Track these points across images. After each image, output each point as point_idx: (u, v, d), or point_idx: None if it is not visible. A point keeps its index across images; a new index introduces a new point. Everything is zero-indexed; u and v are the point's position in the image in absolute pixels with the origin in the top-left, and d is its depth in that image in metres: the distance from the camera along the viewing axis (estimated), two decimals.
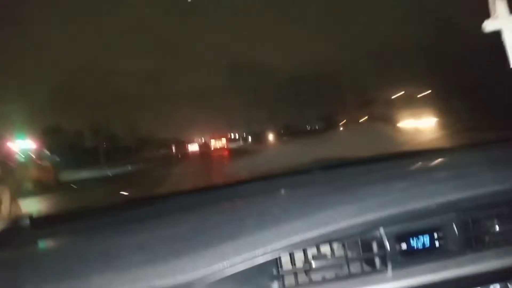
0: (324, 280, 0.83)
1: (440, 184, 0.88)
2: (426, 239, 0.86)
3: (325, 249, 0.85)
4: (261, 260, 0.79)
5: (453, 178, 0.89)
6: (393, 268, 0.83)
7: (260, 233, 0.81)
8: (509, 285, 0.84)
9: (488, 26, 0.95)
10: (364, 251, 0.85)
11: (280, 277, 0.81)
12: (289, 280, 0.83)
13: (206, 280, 0.77)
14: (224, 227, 0.86)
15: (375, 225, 0.84)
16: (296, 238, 0.80)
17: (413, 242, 0.85)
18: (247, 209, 0.98)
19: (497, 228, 0.87)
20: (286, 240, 0.80)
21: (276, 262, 0.81)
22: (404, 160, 1.29)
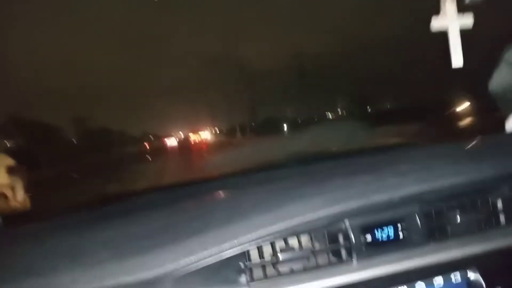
0: (292, 272, 0.84)
1: (403, 176, 0.90)
2: (390, 230, 0.88)
3: (293, 241, 0.86)
4: (228, 254, 0.80)
5: (416, 171, 0.92)
6: (358, 259, 0.85)
7: (228, 227, 0.82)
8: (468, 272, 0.88)
9: (436, 24, 0.97)
10: (330, 243, 0.87)
11: (248, 270, 0.82)
12: (257, 273, 0.84)
13: (173, 275, 0.78)
14: (192, 222, 0.87)
15: (340, 217, 0.85)
16: (264, 231, 0.81)
17: (378, 234, 0.87)
18: (216, 204, 0.98)
19: (458, 218, 0.90)
20: (253, 233, 0.81)
21: (244, 255, 0.82)
22: (371, 154, 1.32)
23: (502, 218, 0.93)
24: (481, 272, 0.87)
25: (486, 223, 0.92)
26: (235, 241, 0.80)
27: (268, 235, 0.81)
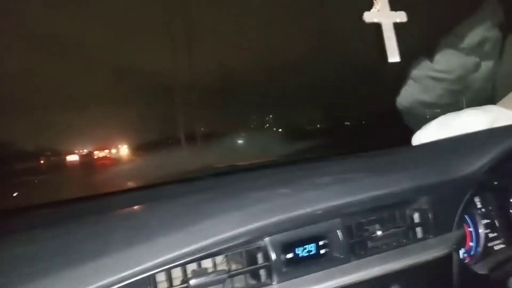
0: None
1: (323, 189, 0.85)
2: (311, 247, 0.82)
3: (207, 263, 0.76)
4: (130, 281, 0.67)
5: (336, 183, 0.88)
6: (279, 280, 0.77)
7: (130, 249, 0.69)
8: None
9: (368, 17, 0.96)
10: (249, 264, 0.78)
11: None
12: None
13: None
14: (87, 244, 0.73)
15: (259, 234, 0.77)
16: (172, 254, 0.70)
17: (299, 251, 0.81)
18: (118, 222, 0.85)
19: (378, 232, 0.87)
20: (160, 256, 0.69)
21: (149, 281, 0.70)
22: (287, 167, 1.27)
23: (419, 231, 0.92)
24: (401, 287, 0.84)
25: (404, 237, 0.90)
26: (139, 266, 0.67)
27: (177, 257, 0.70)
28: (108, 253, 0.69)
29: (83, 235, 0.78)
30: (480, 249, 1.10)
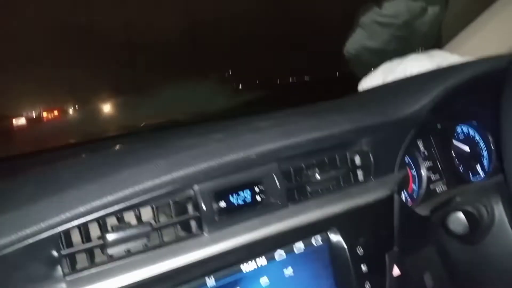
0: (129, 254, 0.67)
1: (259, 133, 0.79)
2: (246, 194, 0.76)
3: (129, 217, 0.69)
4: (33, 239, 0.59)
5: (273, 126, 0.81)
6: (210, 230, 0.72)
7: (34, 205, 0.61)
8: (329, 233, 0.81)
9: None
10: (177, 215, 0.71)
11: (65, 259, 0.62)
12: (81, 260, 0.65)
13: None
14: None
15: (187, 182, 0.70)
16: (85, 206, 0.62)
17: (233, 199, 0.75)
18: (26, 179, 0.75)
19: (317, 177, 0.82)
20: (70, 209, 0.61)
21: (58, 239, 0.61)
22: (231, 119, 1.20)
23: (360, 174, 0.89)
24: (342, 233, 0.81)
25: (344, 180, 0.86)
26: (43, 222, 0.59)
27: (91, 210, 0.62)
28: (7, 210, 0.60)
29: None
30: (422, 191, 1.09)
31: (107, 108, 1.54)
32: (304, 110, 1.03)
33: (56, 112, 1.60)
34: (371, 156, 0.88)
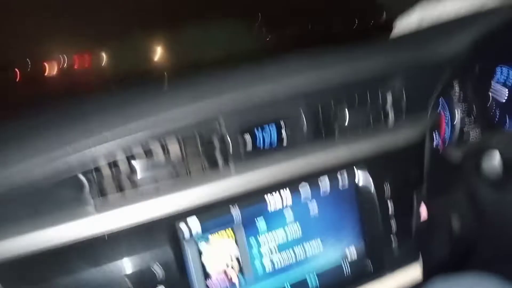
0: (156, 183, 0.67)
1: (288, 65, 0.76)
2: (272, 129, 0.75)
3: (156, 148, 0.69)
4: (63, 165, 0.60)
5: (303, 59, 0.78)
6: (236, 163, 0.71)
7: (64, 131, 0.61)
8: (356, 173, 0.79)
9: None
10: (203, 147, 0.71)
11: (93, 186, 0.64)
12: (109, 186, 0.66)
13: None
14: (14, 131, 0.65)
15: (213, 113, 0.69)
16: (112, 132, 0.62)
17: (258, 133, 0.74)
18: (57, 110, 0.75)
19: (346, 114, 0.80)
20: (98, 134, 0.61)
21: (86, 164, 0.62)
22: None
23: (391, 114, 0.85)
24: (370, 172, 0.79)
25: (374, 119, 0.83)
26: (70, 147, 0.60)
27: (117, 137, 0.62)
28: (36, 135, 0.60)
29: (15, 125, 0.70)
30: (455, 135, 1.05)
31: (133, 50, 1.53)
32: (336, 49, 0.99)
33: (84, 56, 1.60)
34: (404, 95, 0.84)
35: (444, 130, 1.04)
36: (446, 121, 1.05)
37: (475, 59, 1.00)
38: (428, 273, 0.87)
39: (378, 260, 0.82)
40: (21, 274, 0.59)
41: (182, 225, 0.67)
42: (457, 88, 1.05)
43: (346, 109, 0.80)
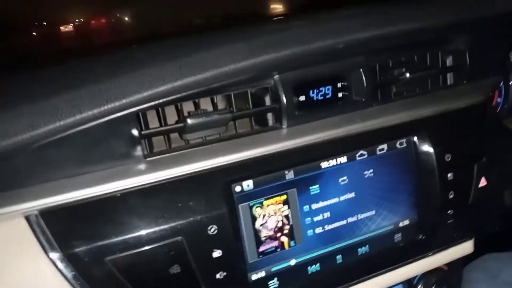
0: (206, 142, 0.64)
1: (347, 20, 0.70)
2: (328, 89, 0.70)
3: (206, 104, 0.65)
4: (113, 116, 0.56)
5: (363, 14, 0.72)
6: (289, 124, 0.67)
7: (109, 81, 0.57)
8: (415, 138, 0.75)
9: None
10: (255, 105, 0.67)
11: (144, 140, 0.60)
12: (158, 143, 0.63)
13: (30, 145, 0.53)
14: (64, 77, 0.61)
15: (268, 69, 0.65)
16: (163, 86, 0.58)
17: (313, 94, 0.69)
18: (101, 58, 0.71)
19: (405, 75, 0.74)
20: (148, 89, 0.57)
21: (137, 119, 0.59)
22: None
23: (450, 77, 0.80)
24: (430, 138, 0.74)
25: (434, 82, 0.78)
26: (121, 100, 0.56)
27: (169, 91, 0.58)
28: (85, 85, 0.57)
29: (62, 69, 0.66)
30: (508, 105, 0.99)
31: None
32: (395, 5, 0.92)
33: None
34: (467, 57, 0.78)
35: (497, 101, 0.98)
36: (499, 89, 0.99)
37: None
38: (480, 249, 0.83)
39: (432, 232, 0.78)
40: (68, 222, 0.57)
41: (237, 188, 0.64)
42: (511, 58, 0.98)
43: (405, 69, 0.75)
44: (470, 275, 0.92)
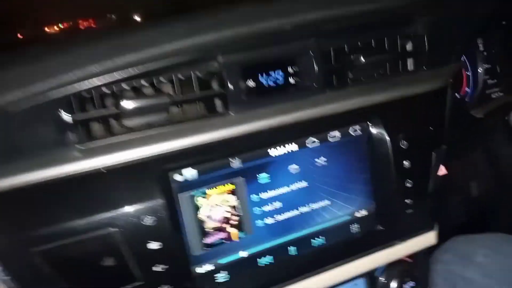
0: (148, 127, 0.60)
1: (299, 4, 0.67)
2: (278, 74, 0.67)
3: (148, 89, 0.62)
4: (41, 98, 0.53)
5: (317, 0, 0.69)
6: (237, 110, 0.64)
7: (46, 60, 0.54)
8: (369, 124, 0.72)
9: None
10: (201, 89, 0.64)
11: (76, 126, 0.57)
12: (96, 130, 0.59)
13: None
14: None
15: (211, 50, 0.61)
16: (98, 65, 0.54)
17: (263, 79, 0.66)
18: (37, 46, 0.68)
19: (362, 60, 0.71)
20: (82, 67, 0.54)
21: (70, 102, 0.55)
22: None
23: (410, 62, 0.77)
24: (385, 124, 0.72)
25: (392, 67, 0.75)
26: (52, 78, 0.52)
27: (105, 71, 0.55)
28: (14, 66, 0.53)
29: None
30: (476, 95, 0.97)
31: None
32: None
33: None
34: (426, 42, 0.76)
35: (465, 89, 0.96)
36: (467, 79, 0.97)
37: (501, 15, 0.91)
38: (445, 237, 0.81)
39: (390, 222, 0.76)
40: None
41: (176, 176, 0.60)
42: (481, 46, 0.97)
43: (361, 54, 0.72)
44: (440, 256, 0.90)
